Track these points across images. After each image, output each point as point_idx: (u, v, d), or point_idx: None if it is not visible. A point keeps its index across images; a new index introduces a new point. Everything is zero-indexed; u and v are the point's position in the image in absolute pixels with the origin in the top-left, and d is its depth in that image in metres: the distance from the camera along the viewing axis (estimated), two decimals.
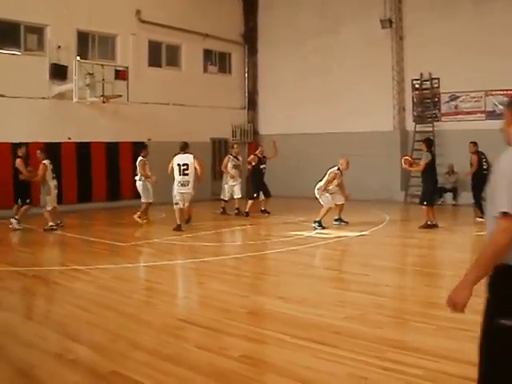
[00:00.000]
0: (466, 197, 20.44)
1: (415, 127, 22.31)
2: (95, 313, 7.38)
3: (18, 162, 15.10)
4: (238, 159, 18.38)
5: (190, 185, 14.73)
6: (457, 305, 3.53)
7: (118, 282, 9.22)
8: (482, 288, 7.59)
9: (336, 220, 15.44)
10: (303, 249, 11.99)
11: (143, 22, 21.94)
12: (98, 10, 20.17)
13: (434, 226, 14.65)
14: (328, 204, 14.85)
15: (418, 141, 21.72)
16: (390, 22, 22.09)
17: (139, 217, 15.93)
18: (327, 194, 14.97)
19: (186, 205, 14.88)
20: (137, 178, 16.09)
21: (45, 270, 10.07)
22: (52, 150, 18.87)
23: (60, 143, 19.38)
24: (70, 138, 19.58)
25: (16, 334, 6.42)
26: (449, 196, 21.28)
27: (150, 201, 16.01)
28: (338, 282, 8.90)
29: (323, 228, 14.43)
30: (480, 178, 15.79)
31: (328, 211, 14.75)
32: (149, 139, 20.32)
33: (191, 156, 14.87)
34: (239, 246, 13.12)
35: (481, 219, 16.59)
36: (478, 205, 16.23)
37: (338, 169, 15.13)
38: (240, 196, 18.04)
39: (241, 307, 7.42)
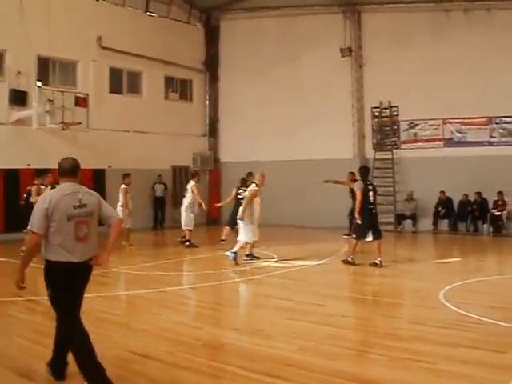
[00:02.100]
0: (426, 223, 20.77)
1: (375, 155, 22.61)
2: (47, 346, 7.23)
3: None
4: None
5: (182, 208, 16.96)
6: (15, 283, 5.73)
7: None
8: (434, 319, 7.70)
9: (247, 256, 14.22)
10: (260, 278, 12.01)
11: (104, 48, 21.92)
12: (58, 36, 20.04)
13: (350, 263, 13.29)
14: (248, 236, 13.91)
15: (378, 168, 22.06)
16: (350, 50, 22.48)
17: (131, 245, 16.33)
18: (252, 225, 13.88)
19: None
20: (118, 204, 16.24)
21: None
22: (11, 176, 18.75)
23: (19, 170, 19.15)
24: (29, 165, 19.36)
25: None
26: (408, 223, 21.53)
27: (128, 226, 16.26)
28: (293, 313, 8.87)
29: (255, 258, 14.12)
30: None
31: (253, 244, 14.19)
32: (109, 166, 20.23)
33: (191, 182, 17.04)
34: (197, 275, 13.02)
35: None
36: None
37: (257, 185, 14.11)
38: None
39: (196, 339, 7.37)
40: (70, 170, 5.73)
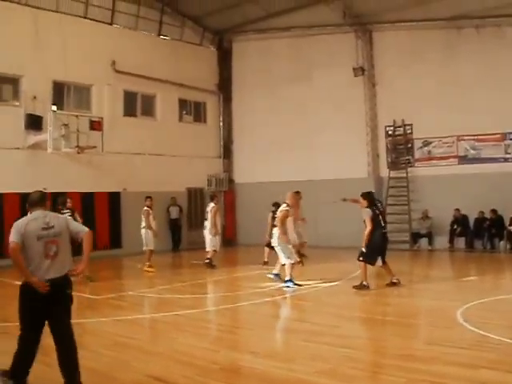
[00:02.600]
0: (442, 241, 20.66)
1: (389, 173, 22.55)
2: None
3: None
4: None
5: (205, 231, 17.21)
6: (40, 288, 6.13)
7: (89, 337, 9.12)
8: (452, 339, 7.64)
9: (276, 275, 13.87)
10: (276, 300, 12.00)
11: (118, 72, 22.14)
12: (73, 61, 20.34)
13: (364, 287, 12.65)
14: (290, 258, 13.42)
15: (392, 187, 22.02)
16: (363, 69, 22.49)
17: (149, 266, 16.39)
18: (288, 245, 13.52)
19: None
20: (141, 226, 16.62)
21: (12, 325, 9.90)
22: (26, 201, 18.82)
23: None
24: (45, 189, 19.45)
25: None
26: (424, 241, 21.42)
27: (151, 248, 16.53)
28: (310, 335, 8.84)
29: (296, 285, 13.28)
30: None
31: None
32: (124, 189, 20.36)
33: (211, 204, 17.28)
34: (213, 298, 13.03)
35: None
36: None
37: (287, 205, 13.68)
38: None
39: (213, 363, 7.36)
40: (38, 200, 6.57)
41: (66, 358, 6.43)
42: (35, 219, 6.37)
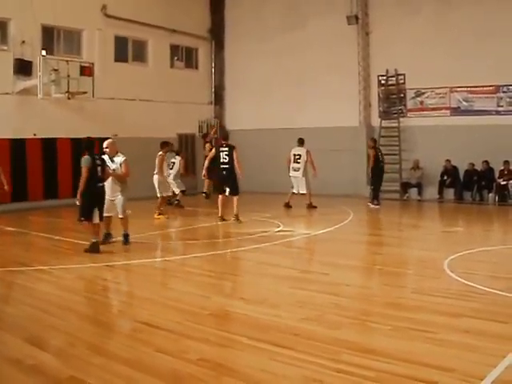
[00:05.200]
0: (431, 192, 20.78)
1: (381, 123, 22.55)
2: (56, 315, 7.39)
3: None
4: None
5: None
6: None
7: (78, 282, 9.24)
8: (438, 288, 7.80)
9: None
10: (266, 247, 12.09)
11: (109, 16, 21.78)
12: (63, 5, 19.90)
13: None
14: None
15: (384, 136, 22.04)
16: (357, 18, 22.22)
17: (159, 214, 16.39)
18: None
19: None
20: (154, 172, 16.67)
21: (6, 270, 10.01)
22: (17, 147, 18.81)
23: (25, 139, 19.21)
24: (35, 135, 19.41)
25: None
26: (414, 191, 21.54)
27: (164, 195, 16.70)
28: (299, 282, 8.98)
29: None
30: (378, 170, 19.18)
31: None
32: (115, 135, 20.21)
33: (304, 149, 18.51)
34: (203, 244, 13.12)
35: (376, 206, 17.68)
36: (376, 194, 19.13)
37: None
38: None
39: (202, 309, 7.47)
40: None
41: None
42: None
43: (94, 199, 11.32)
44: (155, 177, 16.54)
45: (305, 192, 18.25)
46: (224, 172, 15.45)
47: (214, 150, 16.01)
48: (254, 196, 16.34)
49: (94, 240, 11.25)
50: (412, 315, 6.96)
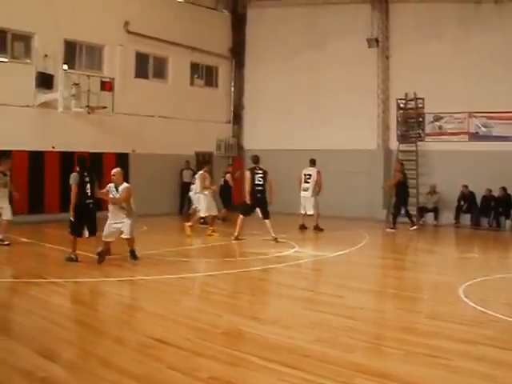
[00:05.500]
0: (448, 217, 20.64)
1: (399, 146, 22.49)
2: (68, 328, 7.39)
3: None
4: None
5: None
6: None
7: (92, 296, 9.23)
8: (453, 314, 7.69)
9: None
10: (281, 267, 12.05)
11: (131, 33, 22.00)
12: (85, 20, 20.20)
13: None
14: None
15: (401, 160, 21.96)
16: (377, 41, 22.29)
17: (213, 231, 16.49)
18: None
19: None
20: (192, 192, 17.30)
21: (20, 281, 10.04)
22: (35, 159, 18.95)
23: (44, 152, 19.36)
24: (53, 147, 19.54)
25: None
26: (430, 216, 21.40)
27: (214, 214, 16.75)
28: (312, 304, 8.93)
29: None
30: (405, 194, 19.30)
31: None
32: (133, 151, 20.38)
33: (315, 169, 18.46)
34: (218, 262, 13.10)
35: (392, 230, 17.65)
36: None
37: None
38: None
39: (214, 327, 7.43)
40: None
41: None
42: None
43: (82, 215, 11.73)
44: (199, 196, 16.79)
45: (312, 213, 18.18)
46: (259, 194, 15.65)
47: (248, 173, 15.89)
48: (271, 217, 16.36)
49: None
50: (426, 341, 6.88)
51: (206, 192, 16.58)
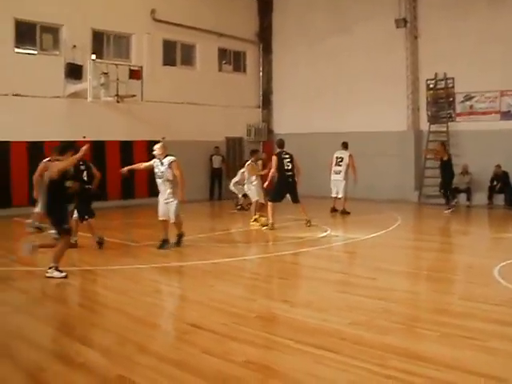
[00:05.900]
0: (481, 198, 20.41)
1: (429, 127, 22.25)
2: (104, 315, 7.50)
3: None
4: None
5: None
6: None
7: (128, 283, 9.31)
8: (487, 295, 7.64)
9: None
10: (313, 251, 12.06)
11: (158, 21, 22.07)
12: (112, 10, 20.39)
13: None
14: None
15: (432, 141, 21.74)
16: (405, 21, 22.00)
17: (255, 220, 15.86)
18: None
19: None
20: (231, 185, 18.39)
21: None
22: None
23: (75, 142, 19.49)
24: (84, 137, 19.66)
25: (26, 336, 6.52)
26: (462, 197, 21.16)
27: (262, 201, 16.27)
28: (346, 286, 8.93)
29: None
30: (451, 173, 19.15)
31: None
32: (163, 138, 20.37)
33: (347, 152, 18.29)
34: (251, 247, 13.17)
35: (449, 210, 18.20)
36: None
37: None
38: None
39: (249, 311, 7.49)
40: None
41: None
42: None
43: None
44: (247, 186, 16.67)
45: (341, 196, 18.13)
46: (290, 179, 15.39)
47: (275, 158, 15.44)
48: (301, 200, 16.21)
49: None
50: (461, 322, 6.84)
51: (254, 183, 16.44)
